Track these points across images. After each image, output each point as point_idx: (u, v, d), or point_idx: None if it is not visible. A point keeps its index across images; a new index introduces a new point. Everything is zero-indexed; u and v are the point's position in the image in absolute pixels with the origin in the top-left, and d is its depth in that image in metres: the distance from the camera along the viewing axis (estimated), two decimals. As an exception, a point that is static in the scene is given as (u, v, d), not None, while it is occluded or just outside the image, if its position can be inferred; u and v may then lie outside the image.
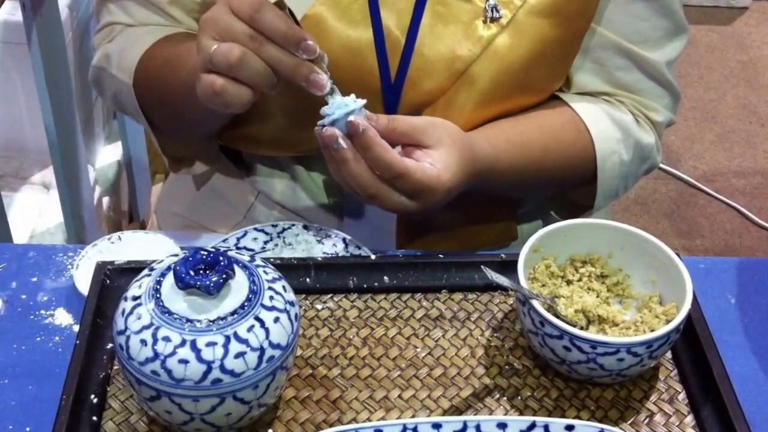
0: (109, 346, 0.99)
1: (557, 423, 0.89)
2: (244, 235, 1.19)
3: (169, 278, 0.88)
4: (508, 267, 1.04)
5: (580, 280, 1.05)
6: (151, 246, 1.14)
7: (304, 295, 1.07)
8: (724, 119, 3.20)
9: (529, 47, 1.14)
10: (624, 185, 1.26)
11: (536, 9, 1.13)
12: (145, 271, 0.91)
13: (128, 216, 2.41)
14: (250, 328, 0.86)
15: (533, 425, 0.89)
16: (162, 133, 1.25)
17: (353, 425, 0.89)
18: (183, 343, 0.84)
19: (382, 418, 0.96)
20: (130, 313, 0.87)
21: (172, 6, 1.22)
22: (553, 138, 1.20)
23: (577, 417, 0.96)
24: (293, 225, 1.20)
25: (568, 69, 1.21)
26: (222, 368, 0.84)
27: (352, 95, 0.99)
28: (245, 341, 0.85)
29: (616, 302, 1.05)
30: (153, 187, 2.46)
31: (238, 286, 0.88)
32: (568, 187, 1.29)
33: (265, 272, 0.91)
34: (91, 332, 0.99)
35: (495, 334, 1.04)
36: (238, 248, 1.17)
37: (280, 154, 1.28)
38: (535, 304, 0.94)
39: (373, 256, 1.11)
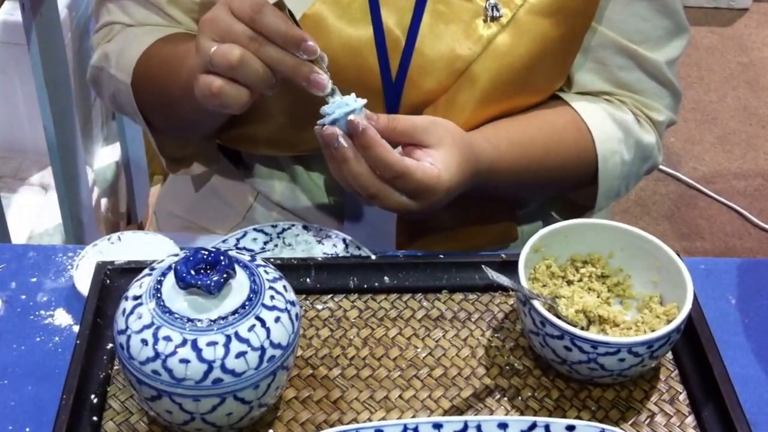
0: (110, 346, 0.99)
1: (558, 423, 0.88)
2: (244, 235, 1.19)
3: (170, 278, 0.88)
4: (509, 267, 1.03)
5: (580, 280, 1.04)
6: (151, 246, 1.14)
7: (304, 296, 1.07)
8: (725, 121, 3.20)
9: (530, 46, 1.13)
10: (625, 185, 1.26)
11: (537, 8, 1.13)
12: (146, 271, 0.91)
13: (126, 217, 2.40)
14: (251, 328, 0.86)
15: (534, 425, 0.89)
16: (160, 133, 1.25)
17: (354, 425, 0.89)
18: (184, 342, 0.84)
19: (383, 419, 0.95)
20: (131, 312, 0.87)
21: (170, 6, 1.22)
22: (554, 138, 1.19)
23: (578, 417, 0.96)
24: (293, 225, 1.20)
25: (568, 68, 1.21)
26: (223, 368, 0.84)
27: (353, 94, 0.99)
28: (246, 341, 0.85)
29: (616, 302, 1.05)
30: (151, 188, 2.46)
31: (239, 285, 0.88)
32: (569, 187, 1.29)
33: (265, 272, 0.91)
34: (91, 332, 0.98)
35: (496, 335, 1.04)
36: (237, 249, 1.16)
37: (280, 153, 1.28)
38: (536, 304, 0.94)
39: (373, 257, 1.11)
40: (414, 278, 1.09)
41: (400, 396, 0.98)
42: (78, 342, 0.97)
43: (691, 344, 1.02)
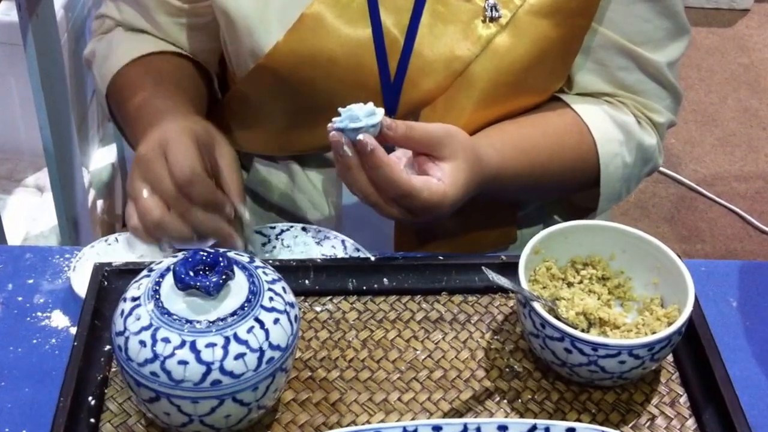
0: (107, 347, 0.99)
1: (558, 426, 0.88)
2: (242, 236, 1.18)
3: (169, 279, 0.87)
4: (509, 269, 1.03)
5: (581, 282, 1.04)
6: (149, 248, 1.13)
7: (303, 297, 1.06)
8: (725, 122, 3.19)
9: (529, 47, 1.13)
10: (627, 187, 1.26)
11: (536, 8, 1.12)
12: (144, 272, 0.91)
13: (122, 219, 2.40)
14: (250, 329, 0.85)
15: (534, 428, 0.88)
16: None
17: (352, 428, 0.88)
18: (182, 344, 0.84)
19: (382, 421, 0.95)
20: (129, 314, 0.86)
21: (157, 11, 1.24)
22: (558, 142, 1.19)
23: (578, 420, 0.96)
24: (291, 227, 1.20)
25: (568, 69, 1.21)
26: (221, 369, 0.84)
27: (370, 104, 0.98)
28: (245, 342, 0.85)
29: (617, 305, 1.04)
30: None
31: (238, 287, 0.88)
32: (572, 190, 1.29)
33: (264, 273, 0.91)
34: (88, 334, 0.98)
35: (495, 337, 1.04)
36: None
37: (277, 154, 1.27)
38: (536, 306, 0.94)
39: (372, 258, 1.11)
40: (413, 280, 1.08)
41: (399, 398, 0.97)
42: (75, 344, 0.97)
43: (692, 347, 1.02)
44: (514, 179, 1.15)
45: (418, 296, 1.08)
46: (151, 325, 0.85)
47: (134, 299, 0.87)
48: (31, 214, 2.07)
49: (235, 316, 0.85)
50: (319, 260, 1.09)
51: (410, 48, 1.13)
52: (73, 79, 1.99)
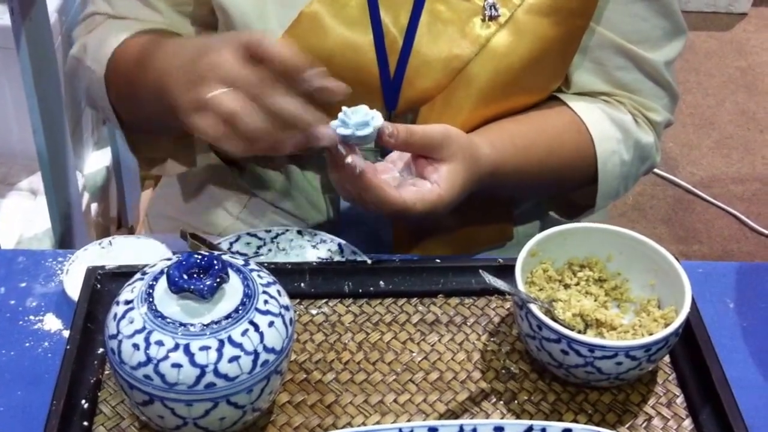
0: (100, 351, 0.98)
1: (554, 427, 0.88)
2: (237, 239, 1.18)
3: (162, 282, 0.87)
4: (506, 271, 1.02)
5: (578, 284, 1.04)
6: (143, 250, 1.13)
7: (298, 300, 1.06)
8: (723, 125, 3.19)
9: (528, 46, 1.13)
10: (624, 185, 1.26)
11: (535, 7, 1.12)
12: (138, 275, 0.90)
13: (117, 222, 2.39)
14: (245, 332, 0.85)
15: (530, 429, 0.88)
16: (131, 132, 1.24)
17: (348, 430, 0.88)
18: (176, 347, 0.83)
19: (378, 423, 0.95)
20: (123, 317, 0.86)
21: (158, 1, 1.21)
22: (556, 140, 1.19)
23: (575, 421, 0.96)
24: (287, 230, 1.19)
25: (566, 68, 1.21)
26: (216, 372, 0.83)
27: (363, 107, 0.98)
28: (239, 345, 0.84)
29: (614, 306, 1.04)
30: (142, 192, 2.45)
31: (232, 289, 0.87)
32: (569, 188, 1.29)
33: (259, 276, 0.90)
34: (81, 337, 0.97)
35: (491, 339, 1.03)
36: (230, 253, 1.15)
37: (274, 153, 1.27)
38: (533, 307, 0.93)
39: (368, 261, 1.10)
40: (410, 282, 1.08)
41: (395, 400, 0.97)
42: (68, 347, 0.96)
43: (689, 348, 1.01)
44: (511, 176, 1.15)
45: (415, 299, 1.07)
46: (144, 328, 0.84)
47: (127, 302, 0.87)
48: (24, 218, 2.06)
49: (230, 319, 0.85)
50: (314, 263, 1.09)
51: (409, 47, 1.13)
52: (67, 83, 1.98)
